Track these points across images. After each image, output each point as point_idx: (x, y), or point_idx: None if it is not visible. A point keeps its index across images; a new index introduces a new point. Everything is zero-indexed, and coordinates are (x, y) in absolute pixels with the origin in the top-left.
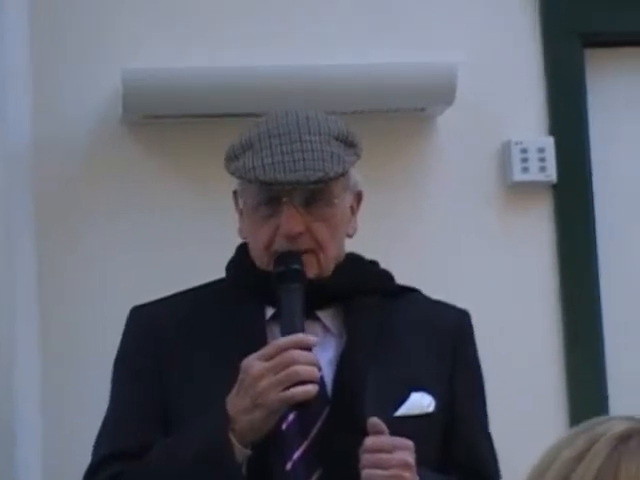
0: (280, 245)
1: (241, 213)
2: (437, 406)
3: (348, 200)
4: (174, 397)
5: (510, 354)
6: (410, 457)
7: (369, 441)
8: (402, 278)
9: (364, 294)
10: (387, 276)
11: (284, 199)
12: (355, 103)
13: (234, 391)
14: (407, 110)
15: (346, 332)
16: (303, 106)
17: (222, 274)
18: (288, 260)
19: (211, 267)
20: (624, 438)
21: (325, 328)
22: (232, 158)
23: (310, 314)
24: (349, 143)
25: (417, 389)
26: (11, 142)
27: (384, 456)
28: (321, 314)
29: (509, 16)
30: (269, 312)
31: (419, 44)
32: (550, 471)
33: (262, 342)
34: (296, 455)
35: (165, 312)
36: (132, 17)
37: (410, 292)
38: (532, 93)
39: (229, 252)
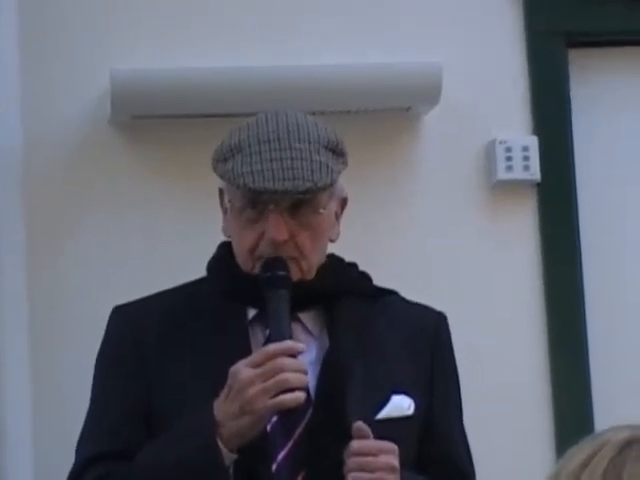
0: (264, 250)
1: (226, 211)
2: (416, 408)
3: (333, 206)
4: (157, 398)
5: (493, 354)
6: (395, 460)
7: (355, 444)
8: (388, 275)
9: (345, 296)
10: (366, 278)
11: (270, 206)
12: (341, 103)
13: (222, 396)
14: (393, 110)
15: (329, 334)
16: (289, 106)
17: None
18: (274, 266)
19: (200, 266)
20: (628, 443)
21: (306, 329)
22: (221, 160)
23: (292, 315)
24: (338, 152)
25: (397, 392)
26: (0, 142)
27: (369, 459)
28: (302, 315)
29: (493, 16)
30: (251, 313)
31: (404, 44)
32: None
33: (244, 343)
34: (280, 456)
35: (147, 311)
36: (121, 17)
37: (388, 294)
38: (516, 92)
39: None
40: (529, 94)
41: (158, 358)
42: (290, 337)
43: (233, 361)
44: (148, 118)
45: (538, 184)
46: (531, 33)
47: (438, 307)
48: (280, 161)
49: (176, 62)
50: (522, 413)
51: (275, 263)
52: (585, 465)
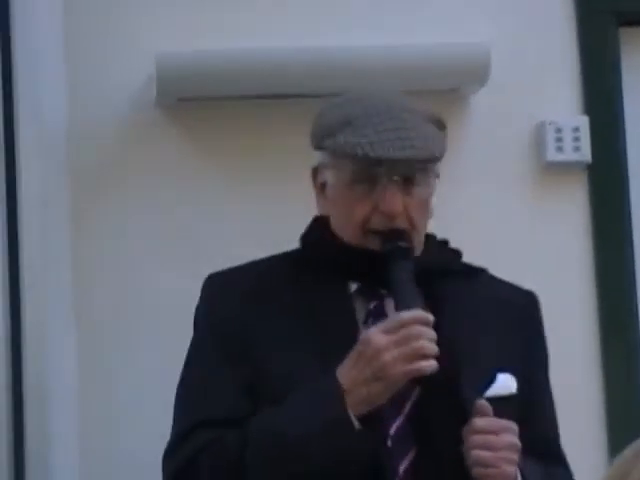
0: (377, 223)
1: (321, 188)
2: (517, 387)
3: (434, 182)
4: (261, 369)
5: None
6: (516, 439)
7: (478, 422)
8: None
9: (444, 274)
10: (459, 255)
11: (386, 177)
12: (388, 84)
13: (348, 363)
14: (440, 91)
15: (435, 311)
16: (333, 88)
17: (257, 256)
18: (396, 238)
19: (244, 250)
20: None
21: None
22: (328, 135)
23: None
24: (440, 125)
25: (502, 370)
26: (47, 127)
27: (493, 438)
28: None
29: None
30: (352, 287)
31: (452, 24)
32: None
33: (350, 316)
34: (392, 430)
35: (245, 281)
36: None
37: (480, 272)
38: (566, 72)
39: (263, 234)
40: (580, 73)
41: (261, 329)
42: (420, 307)
43: (339, 336)
44: (193, 100)
45: (589, 165)
46: (582, 11)
47: None
48: (396, 131)
49: (222, 43)
50: (572, 396)
51: (396, 235)
52: None
